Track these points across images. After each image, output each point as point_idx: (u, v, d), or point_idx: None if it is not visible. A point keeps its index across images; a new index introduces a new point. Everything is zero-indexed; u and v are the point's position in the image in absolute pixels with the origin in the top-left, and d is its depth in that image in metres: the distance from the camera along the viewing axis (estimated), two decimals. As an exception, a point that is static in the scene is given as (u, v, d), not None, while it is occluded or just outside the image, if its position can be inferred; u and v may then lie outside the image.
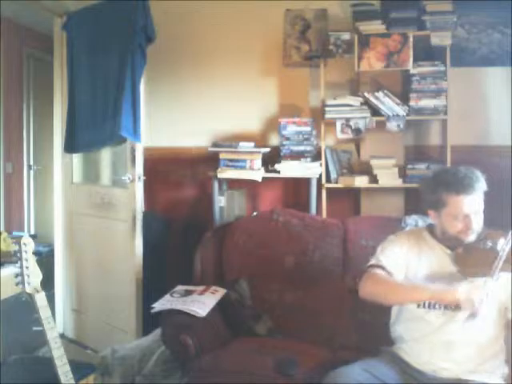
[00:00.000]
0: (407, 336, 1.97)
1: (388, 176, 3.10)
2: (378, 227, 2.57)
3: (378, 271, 1.98)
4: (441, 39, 2.99)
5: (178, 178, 3.65)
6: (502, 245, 1.82)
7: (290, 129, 3.17)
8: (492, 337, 1.91)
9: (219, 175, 3.20)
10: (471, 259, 1.85)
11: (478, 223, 1.90)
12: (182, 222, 3.60)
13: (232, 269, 2.79)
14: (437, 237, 2.01)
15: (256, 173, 3.15)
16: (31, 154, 5.13)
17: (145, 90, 3.24)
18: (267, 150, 3.24)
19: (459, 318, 1.84)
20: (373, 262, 2.04)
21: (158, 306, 2.42)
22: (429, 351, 1.90)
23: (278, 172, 3.17)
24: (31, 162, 5.14)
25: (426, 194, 2.01)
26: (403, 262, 2.00)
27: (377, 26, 3.05)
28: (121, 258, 3.22)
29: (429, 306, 1.93)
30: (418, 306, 1.94)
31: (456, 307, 1.84)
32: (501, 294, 1.89)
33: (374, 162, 3.14)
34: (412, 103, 3.04)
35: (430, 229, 2.06)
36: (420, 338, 1.93)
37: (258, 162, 3.15)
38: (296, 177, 3.19)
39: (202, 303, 2.40)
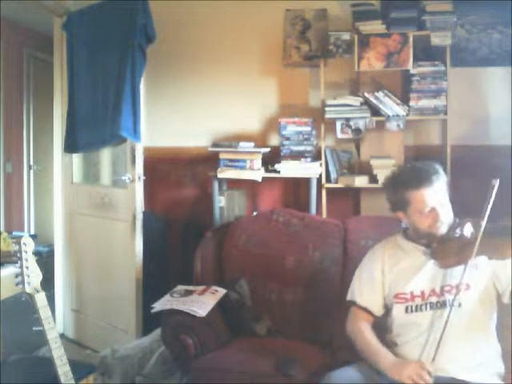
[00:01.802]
0: (399, 341, 1.97)
1: (388, 176, 3.10)
2: (377, 227, 2.57)
3: (358, 313, 2.03)
4: (441, 39, 2.99)
5: (178, 178, 3.66)
6: (471, 231, 1.80)
7: (290, 129, 3.17)
8: (482, 329, 1.89)
9: (219, 175, 3.20)
10: (447, 251, 1.84)
11: (446, 214, 1.88)
12: (182, 222, 3.61)
13: (232, 269, 2.79)
14: (412, 238, 2.00)
15: (256, 173, 3.15)
16: (31, 153, 5.14)
17: (145, 90, 3.24)
18: (267, 150, 3.24)
19: (445, 315, 1.83)
20: (350, 297, 2.08)
21: (158, 306, 2.42)
22: (420, 353, 1.88)
23: (278, 172, 3.17)
24: (31, 162, 5.14)
25: (389, 197, 2.00)
26: (380, 286, 2.00)
27: (377, 26, 3.05)
28: (121, 258, 3.22)
29: (416, 310, 1.92)
30: (406, 311, 1.94)
31: (441, 305, 1.86)
32: (482, 281, 1.88)
33: (374, 162, 3.14)
34: (412, 103, 3.04)
35: (405, 232, 2.05)
36: (410, 340, 1.92)
37: (257, 162, 3.15)
38: (296, 177, 3.19)
39: (201, 303, 2.40)
